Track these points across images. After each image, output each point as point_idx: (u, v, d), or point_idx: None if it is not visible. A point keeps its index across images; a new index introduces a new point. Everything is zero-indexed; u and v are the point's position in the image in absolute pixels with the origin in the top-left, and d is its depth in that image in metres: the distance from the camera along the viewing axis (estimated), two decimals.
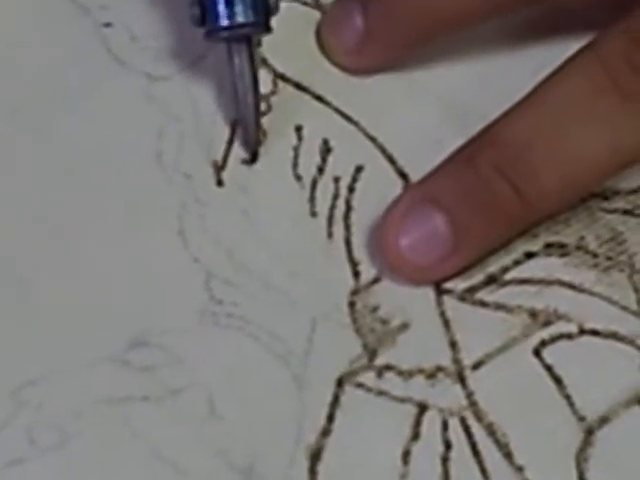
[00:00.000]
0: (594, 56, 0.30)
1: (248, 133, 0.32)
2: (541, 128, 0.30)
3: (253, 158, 0.32)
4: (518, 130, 0.30)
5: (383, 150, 0.33)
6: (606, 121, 0.30)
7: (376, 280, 0.31)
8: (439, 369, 0.29)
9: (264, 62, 0.33)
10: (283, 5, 0.33)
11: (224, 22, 0.30)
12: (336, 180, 0.32)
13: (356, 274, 0.31)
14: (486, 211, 0.30)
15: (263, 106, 0.32)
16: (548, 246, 0.31)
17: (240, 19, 0.30)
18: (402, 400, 0.29)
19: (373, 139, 0.33)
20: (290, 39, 0.34)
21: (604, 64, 0.30)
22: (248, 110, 0.31)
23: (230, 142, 0.32)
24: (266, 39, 0.32)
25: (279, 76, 0.33)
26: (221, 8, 0.30)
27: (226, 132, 0.32)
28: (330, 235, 0.31)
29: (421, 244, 0.30)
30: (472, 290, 0.31)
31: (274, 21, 0.31)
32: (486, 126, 0.30)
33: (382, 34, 0.33)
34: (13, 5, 0.33)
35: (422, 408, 0.29)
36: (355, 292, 0.30)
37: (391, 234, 0.30)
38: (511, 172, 0.29)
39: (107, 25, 0.33)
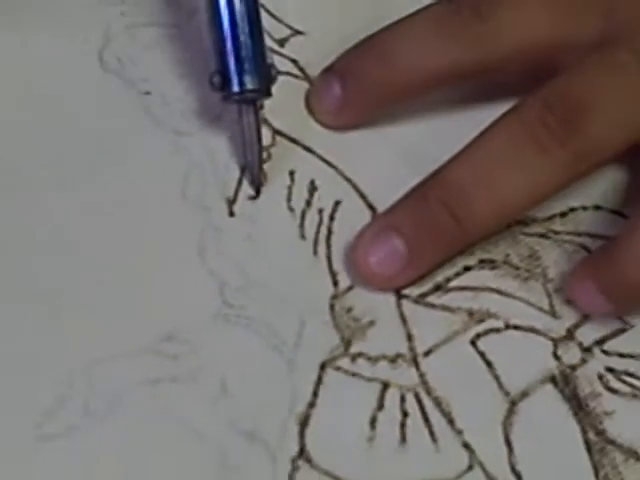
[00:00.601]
0: (517, 117, 0.30)
1: (253, 175, 0.31)
2: (477, 172, 0.29)
3: (257, 194, 0.31)
4: (459, 173, 0.29)
5: (356, 188, 0.32)
6: (526, 168, 0.29)
7: (350, 288, 0.30)
8: (398, 355, 0.29)
9: (265, 121, 0.32)
10: (281, 78, 0.32)
11: (236, 89, 0.30)
12: (320, 211, 0.31)
13: (335, 283, 0.30)
14: (434, 236, 0.29)
15: (264, 155, 0.32)
16: (482, 261, 0.31)
17: (249, 86, 0.30)
18: (370, 379, 0.28)
19: (349, 180, 0.32)
20: (285, 104, 0.33)
21: (524, 124, 0.29)
22: (253, 157, 0.31)
23: (239, 182, 0.31)
24: (267, 103, 0.32)
25: (276, 132, 0.33)
26: (234, 78, 0.30)
27: (236, 175, 0.31)
28: (315, 253, 0.31)
29: (384, 260, 0.29)
30: (424, 295, 0.30)
31: (273, 89, 0.31)
32: (435, 170, 0.30)
33: (355, 101, 0.32)
34: (74, 79, 0.33)
35: (385, 385, 0.28)
36: (334, 297, 0.30)
37: (362, 253, 0.30)
38: (454, 206, 0.29)
39: (147, 93, 0.33)
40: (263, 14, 0.34)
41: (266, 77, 0.30)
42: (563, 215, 0.32)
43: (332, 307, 0.30)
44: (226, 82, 0.30)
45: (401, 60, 0.32)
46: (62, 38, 0.33)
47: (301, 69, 0.34)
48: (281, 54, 0.34)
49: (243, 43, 0.30)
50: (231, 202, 0.31)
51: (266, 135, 0.32)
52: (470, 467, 0.27)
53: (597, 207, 0.32)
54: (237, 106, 0.31)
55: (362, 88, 0.32)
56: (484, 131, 0.30)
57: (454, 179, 0.29)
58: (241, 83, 0.30)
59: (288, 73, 0.34)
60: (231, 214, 0.31)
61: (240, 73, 0.30)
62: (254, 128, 0.30)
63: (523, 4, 0.32)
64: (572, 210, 0.32)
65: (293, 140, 0.33)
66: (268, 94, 0.31)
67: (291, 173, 0.32)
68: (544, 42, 0.31)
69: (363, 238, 0.30)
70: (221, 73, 0.30)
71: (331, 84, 0.32)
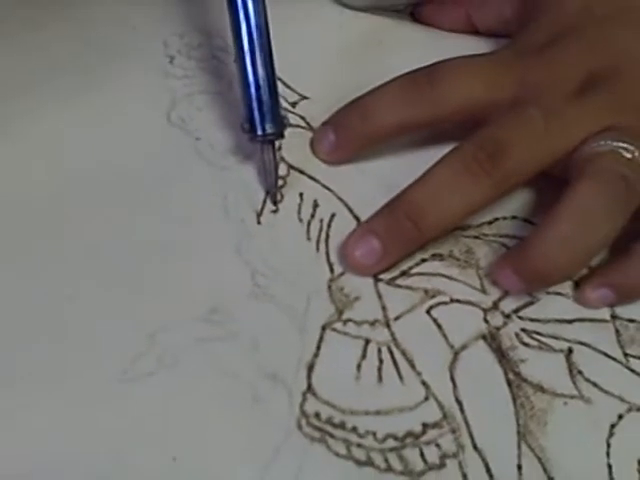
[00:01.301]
0: (457, 155, 0.30)
1: (272, 195, 0.31)
2: (429, 194, 0.30)
3: (275, 207, 0.31)
4: (417, 194, 0.30)
5: (346, 205, 0.32)
6: (463, 191, 0.29)
7: (342, 274, 0.30)
8: (376, 320, 0.29)
9: (282, 159, 0.33)
10: (293, 130, 0.33)
11: (260, 132, 0.30)
12: (321, 221, 0.31)
13: (331, 270, 0.30)
14: (399, 238, 0.30)
15: (281, 182, 0.32)
16: (433, 255, 0.31)
17: (268, 131, 0.30)
18: (356, 337, 0.28)
19: (341, 199, 0.32)
20: (296, 147, 0.33)
21: (462, 160, 0.29)
22: (272, 183, 0.31)
23: (264, 201, 0.31)
24: (284, 147, 0.32)
25: (290, 166, 0.33)
26: (258, 124, 0.30)
27: (262, 195, 0.32)
28: (317, 249, 0.30)
29: (365, 254, 0.29)
30: (393, 279, 0.30)
31: (286, 133, 0.31)
32: (400, 192, 0.30)
33: (344, 145, 0.32)
34: (148, 132, 0.33)
35: (367, 342, 0.28)
36: (331, 280, 0.30)
37: (350, 249, 0.30)
38: (413, 217, 0.29)
39: (197, 139, 0.33)
40: (279, 84, 0.34)
41: (280, 124, 0.31)
42: (490, 223, 0.32)
43: (329, 287, 0.29)
44: (252, 127, 0.30)
45: (375, 117, 0.32)
46: (140, 103, 0.33)
47: (307, 123, 0.34)
48: (293, 112, 0.34)
49: (264, 99, 0.30)
50: (258, 215, 0.31)
51: (282, 168, 0.32)
52: (426, 398, 0.27)
53: (514, 217, 0.32)
54: (260, 145, 0.31)
55: (349, 137, 0.32)
56: (434, 164, 0.30)
57: (414, 198, 0.30)
58: (263, 129, 0.30)
59: (298, 126, 0.34)
60: (259, 223, 0.31)
61: (262, 121, 0.30)
62: (272, 162, 0.31)
63: (461, 75, 0.32)
64: (496, 219, 0.32)
65: (302, 172, 0.33)
66: (281, 136, 0.31)
67: (300, 194, 0.32)
68: (476, 102, 0.32)
69: (350, 238, 0.30)
70: (249, 121, 0.30)
71: (327, 133, 0.32)
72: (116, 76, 0.34)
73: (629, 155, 0.29)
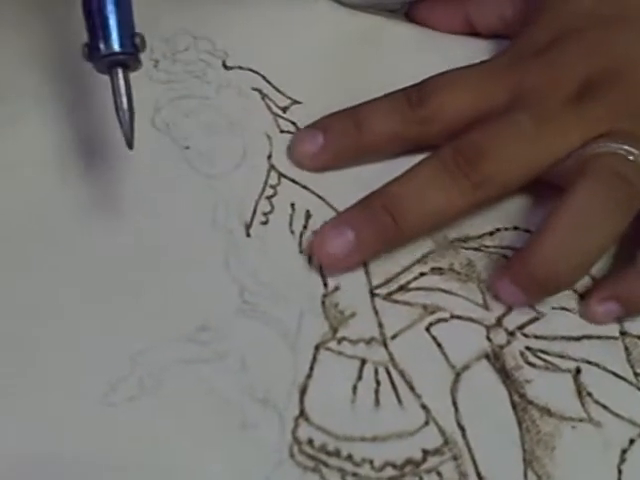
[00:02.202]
0: (438, 157, 0.29)
1: (125, 135, 0.26)
2: (409, 189, 0.29)
3: (130, 146, 0.26)
4: (397, 189, 0.29)
5: None
6: (442, 190, 0.28)
7: (336, 288, 0.28)
8: (372, 339, 0.27)
9: (273, 167, 0.31)
10: (284, 136, 0.32)
11: (104, 51, 0.25)
12: (314, 232, 0.30)
13: (325, 285, 0.28)
14: (376, 231, 0.28)
15: (271, 191, 0.30)
16: (433, 269, 0.29)
17: (115, 48, 0.25)
18: (352, 357, 0.27)
19: (335, 209, 0.30)
20: (287, 154, 0.32)
21: (442, 161, 0.29)
22: (124, 119, 0.26)
23: (254, 212, 0.30)
24: (274, 155, 0.31)
25: (281, 175, 0.31)
26: (101, 43, 0.25)
27: (252, 206, 0.30)
28: (310, 263, 0.29)
29: (337, 245, 0.28)
30: (390, 294, 0.29)
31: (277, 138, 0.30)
32: (381, 186, 0.29)
33: (331, 150, 0.31)
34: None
35: (363, 362, 0.27)
36: (325, 295, 0.28)
37: (321, 238, 0.29)
38: (392, 210, 0.28)
39: (186, 147, 0.31)
40: (269, 88, 0.33)
41: (131, 43, 0.25)
42: (491, 234, 0.30)
43: (323, 303, 0.28)
44: (93, 48, 0.25)
45: (371, 128, 0.31)
46: None
47: (298, 129, 0.32)
48: (284, 118, 0.32)
49: (109, 15, 0.25)
50: (248, 226, 0.29)
51: (273, 177, 0.31)
52: (426, 422, 0.26)
53: (515, 227, 0.31)
54: (108, 72, 0.25)
55: (341, 143, 0.31)
56: (418, 163, 0.30)
57: (394, 192, 0.29)
58: (108, 47, 0.25)
59: (289, 132, 0.32)
60: (248, 235, 0.29)
61: (106, 38, 0.25)
62: (124, 93, 0.25)
63: (450, 90, 0.31)
64: (498, 230, 0.31)
65: (293, 181, 0.31)
66: (137, 60, 0.26)
67: (292, 205, 0.30)
68: (467, 116, 0.31)
69: (324, 228, 0.29)
70: (90, 43, 0.25)
71: (315, 135, 0.31)
72: (97, 80, 0.32)
73: (631, 157, 0.28)
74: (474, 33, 0.36)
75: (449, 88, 0.31)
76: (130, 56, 0.25)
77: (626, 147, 0.28)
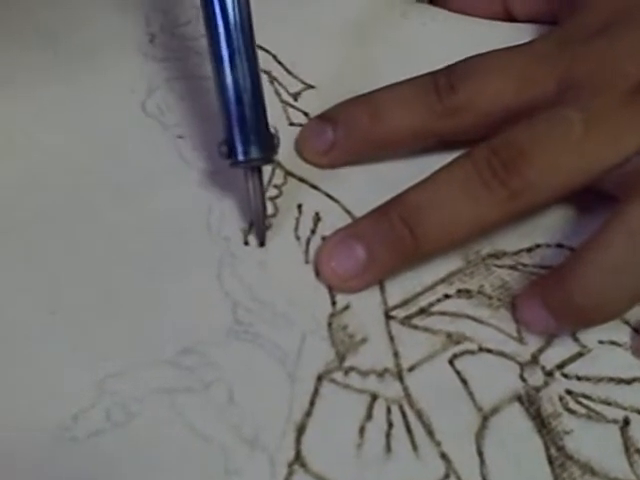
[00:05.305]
0: (469, 158, 0.26)
1: (258, 231, 0.26)
2: (432, 197, 0.25)
3: (261, 244, 0.26)
4: (418, 197, 0.25)
5: (355, 219, 0.27)
6: (472, 199, 0.25)
7: (346, 307, 0.25)
8: (386, 370, 0.24)
9: (278, 164, 0.28)
10: (294, 128, 0.28)
11: (242, 158, 0.25)
12: (323, 238, 0.26)
13: (333, 303, 0.25)
14: (391, 245, 0.25)
15: (275, 192, 0.27)
16: (459, 291, 0.26)
17: (253, 156, 0.25)
18: (360, 391, 0.23)
19: (348, 212, 0.27)
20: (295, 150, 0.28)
21: (474, 164, 0.25)
22: (258, 216, 0.25)
23: None
24: (280, 150, 0.26)
25: (288, 173, 0.28)
26: (239, 148, 0.25)
27: None
28: (317, 275, 0.25)
29: (345, 263, 0.25)
30: (409, 317, 0.25)
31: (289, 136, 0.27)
32: (398, 194, 0.26)
33: (342, 145, 0.28)
34: (120, 122, 0.28)
35: (374, 397, 0.23)
36: (332, 315, 0.25)
37: (325, 254, 0.26)
38: (410, 222, 0.25)
39: (180, 137, 0.28)
40: (279, 70, 0.30)
41: (269, 146, 0.25)
42: (530, 250, 0.27)
43: (330, 324, 0.24)
44: (232, 151, 0.25)
45: (389, 120, 0.28)
46: (114, 86, 0.29)
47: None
48: (295, 107, 0.29)
49: (247, 117, 0.25)
50: (246, 232, 0.26)
51: (278, 175, 0.27)
52: (446, 476, 0.22)
53: (559, 245, 0.27)
54: (243, 171, 0.25)
55: (352, 136, 0.28)
56: (443, 167, 0.26)
57: (413, 200, 0.25)
58: (246, 153, 0.25)
59: (300, 124, 0.29)
60: (246, 243, 0.26)
61: (245, 143, 0.25)
62: (258, 191, 0.25)
63: (488, 75, 0.28)
64: (537, 246, 0.27)
65: (302, 179, 0.28)
66: (270, 161, 0.25)
67: (299, 206, 0.27)
68: (507, 107, 0.27)
69: (329, 242, 0.26)
70: (228, 143, 0.25)
71: (324, 128, 0.28)
72: (84, 57, 0.29)
73: None
74: (510, 19, 0.34)
75: (485, 73, 0.28)
76: (265, 161, 0.25)
77: None
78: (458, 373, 0.24)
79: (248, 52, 0.24)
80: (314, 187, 0.28)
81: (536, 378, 0.24)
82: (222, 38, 0.24)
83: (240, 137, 0.25)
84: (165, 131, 0.28)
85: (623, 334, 0.25)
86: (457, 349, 0.24)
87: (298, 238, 0.26)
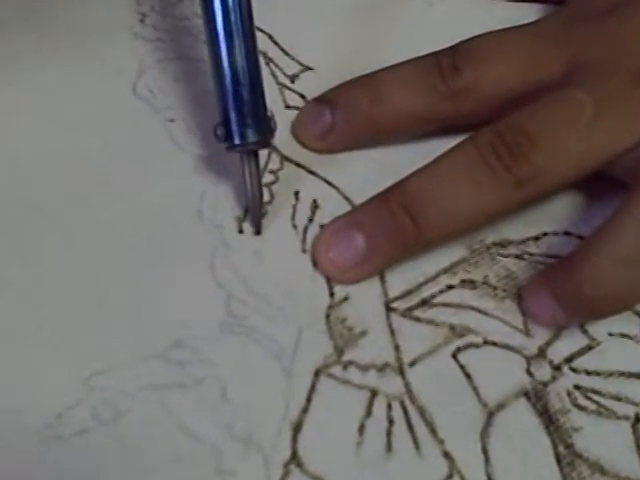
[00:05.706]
0: (472, 143, 0.25)
1: (253, 217, 0.25)
2: (432, 184, 0.24)
3: (257, 233, 0.25)
4: (420, 183, 0.24)
5: (354, 206, 0.26)
6: (475, 185, 0.24)
7: (345, 299, 0.24)
8: (386, 365, 0.23)
9: (274, 149, 0.27)
10: (290, 111, 0.27)
11: (238, 141, 0.24)
12: (321, 226, 0.25)
13: (331, 294, 0.24)
14: (392, 234, 0.24)
15: (272, 177, 0.26)
16: (463, 281, 0.25)
17: (250, 139, 0.24)
18: (360, 387, 0.23)
19: (347, 198, 0.26)
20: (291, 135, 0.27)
21: (478, 148, 0.24)
22: (254, 202, 0.25)
23: None
24: (276, 134, 0.25)
25: (284, 158, 0.27)
26: (236, 131, 0.24)
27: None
28: (315, 265, 0.25)
29: (344, 253, 0.24)
30: (410, 309, 0.24)
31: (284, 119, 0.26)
32: (399, 180, 0.25)
33: (341, 129, 0.27)
34: (109, 103, 0.27)
35: (374, 393, 0.22)
36: (330, 307, 0.24)
37: (323, 243, 0.25)
38: (412, 209, 0.24)
39: (171, 121, 0.27)
40: (276, 51, 0.29)
41: (266, 130, 0.24)
42: (537, 239, 0.26)
43: (328, 317, 0.24)
44: (229, 134, 0.24)
45: (390, 102, 0.27)
46: (102, 68, 0.28)
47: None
48: (292, 89, 0.28)
49: (245, 99, 0.24)
50: (241, 220, 0.25)
51: (275, 160, 0.27)
52: (450, 475, 0.21)
53: (567, 233, 0.26)
54: (239, 155, 0.24)
55: (351, 119, 0.27)
56: (446, 152, 0.25)
57: (415, 187, 0.25)
58: (242, 136, 0.24)
59: (297, 107, 0.28)
60: (240, 231, 0.25)
61: (242, 127, 0.24)
62: (255, 176, 0.25)
63: (494, 55, 0.27)
64: (545, 235, 0.26)
65: (299, 164, 0.27)
66: (267, 145, 0.25)
67: (296, 193, 0.26)
68: (514, 89, 0.26)
69: (327, 231, 0.25)
70: (224, 126, 0.24)
71: (322, 111, 0.27)
72: (71, 38, 0.28)
73: None
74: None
75: (490, 54, 0.27)
76: (262, 144, 0.25)
77: None
78: (462, 367, 0.23)
79: (246, 31, 0.23)
80: (312, 173, 0.27)
81: (543, 372, 0.23)
82: (219, 16, 0.23)
83: (237, 120, 0.24)
84: (156, 114, 0.27)
85: (634, 326, 0.24)
86: (461, 342, 0.24)
87: (295, 227, 0.25)
